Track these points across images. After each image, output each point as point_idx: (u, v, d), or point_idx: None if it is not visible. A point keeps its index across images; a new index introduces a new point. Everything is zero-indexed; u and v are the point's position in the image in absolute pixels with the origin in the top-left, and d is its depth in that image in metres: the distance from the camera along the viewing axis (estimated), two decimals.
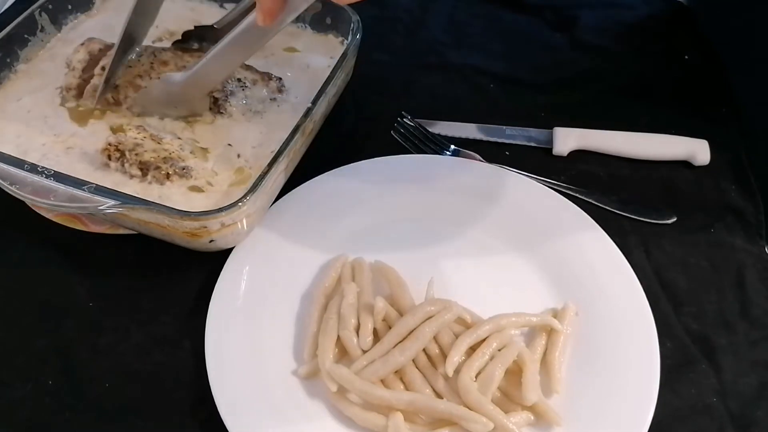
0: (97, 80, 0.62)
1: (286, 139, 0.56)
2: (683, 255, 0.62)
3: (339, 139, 0.69)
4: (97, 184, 0.52)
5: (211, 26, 0.64)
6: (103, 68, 0.62)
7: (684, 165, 0.69)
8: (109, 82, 0.62)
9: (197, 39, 0.66)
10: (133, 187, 0.57)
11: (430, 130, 0.70)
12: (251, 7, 0.59)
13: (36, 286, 0.59)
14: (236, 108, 0.63)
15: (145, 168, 0.57)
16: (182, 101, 0.62)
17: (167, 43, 0.68)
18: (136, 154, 0.57)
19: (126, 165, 0.57)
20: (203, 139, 0.61)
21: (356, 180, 0.63)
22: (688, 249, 0.62)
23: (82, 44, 0.65)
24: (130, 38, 0.62)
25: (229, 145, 0.61)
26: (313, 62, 0.69)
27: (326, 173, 0.63)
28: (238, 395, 0.51)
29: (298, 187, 0.62)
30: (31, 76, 0.66)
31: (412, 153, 0.68)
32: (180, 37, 0.66)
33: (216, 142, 0.61)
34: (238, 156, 0.60)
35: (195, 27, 0.66)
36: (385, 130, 0.70)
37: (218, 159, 0.60)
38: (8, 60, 0.65)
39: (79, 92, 0.63)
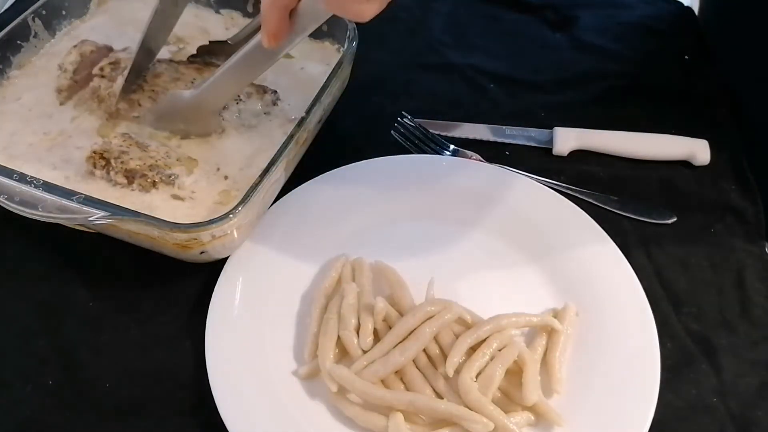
0: (97, 82, 0.62)
1: (279, 149, 0.55)
2: (683, 255, 0.62)
3: (339, 139, 0.69)
4: (86, 195, 0.51)
5: (226, 41, 0.63)
6: (101, 69, 0.62)
7: (684, 165, 0.68)
8: (126, 92, 0.62)
9: (211, 54, 0.65)
10: (114, 194, 0.56)
11: (430, 130, 0.70)
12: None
13: (36, 286, 0.59)
14: (229, 122, 0.62)
15: (131, 176, 0.56)
16: (191, 119, 0.61)
17: (174, 48, 0.68)
18: (122, 162, 0.56)
19: (112, 173, 0.56)
20: (191, 154, 0.60)
21: (356, 180, 0.63)
22: (688, 249, 0.62)
23: (75, 46, 0.65)
24: (148, 50, 0.62)
25: (218, 169, 0.59)
26: (308, 69, 0.68)
27: (326, 173, 0.63)
28: (238, 395, 0.51)
29: (298, 188, 0.62)
30: (31, 75, 0.66)
31: (412, 153, 0.68)
32: (195, 52, 0.65)
33: (203, 160, 0.60)
34: (226, 178, 0.59)
35: (210, 42, 0.65)
36: (385, 130, 0.70)
37: (202, 178, 0.59)
38: (1, 66, 0.64)
39: (70, 94, 0.63)
